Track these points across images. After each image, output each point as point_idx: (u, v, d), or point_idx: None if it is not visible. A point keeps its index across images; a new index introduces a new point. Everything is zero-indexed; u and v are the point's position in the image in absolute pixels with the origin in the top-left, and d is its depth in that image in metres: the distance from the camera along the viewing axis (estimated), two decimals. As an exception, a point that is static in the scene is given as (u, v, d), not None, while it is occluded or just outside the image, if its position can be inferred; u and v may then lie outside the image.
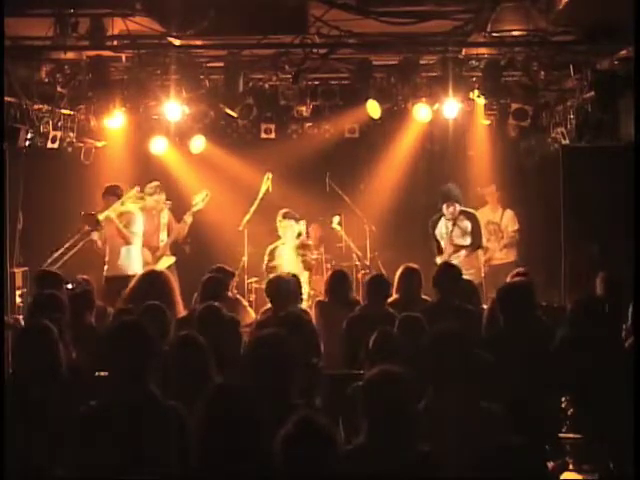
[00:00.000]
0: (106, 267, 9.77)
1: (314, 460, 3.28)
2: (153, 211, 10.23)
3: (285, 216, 10.23)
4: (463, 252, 9.81)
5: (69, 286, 7.07)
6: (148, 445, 3.94)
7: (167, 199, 10.34)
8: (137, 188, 10.02)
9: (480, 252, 10.11)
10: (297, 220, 10.32)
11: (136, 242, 9.80)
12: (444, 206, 9.84)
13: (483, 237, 10.26)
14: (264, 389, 4.13)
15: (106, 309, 7.39)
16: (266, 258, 10.25)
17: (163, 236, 10.21)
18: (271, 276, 7.67)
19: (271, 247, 10.31)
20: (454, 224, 9.80)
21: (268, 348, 4.32)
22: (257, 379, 4.21)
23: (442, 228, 9.92)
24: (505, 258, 10.62)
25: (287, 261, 10.20)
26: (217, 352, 4.91)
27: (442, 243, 9.90)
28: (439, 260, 9.83)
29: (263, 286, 10.14)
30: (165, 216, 10.29)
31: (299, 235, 10.32)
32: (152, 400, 4.04)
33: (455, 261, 9.71)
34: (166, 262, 10.14)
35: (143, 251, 9.99)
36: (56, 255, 9.83)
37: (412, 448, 3.71)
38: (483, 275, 9.91)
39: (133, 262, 9.70)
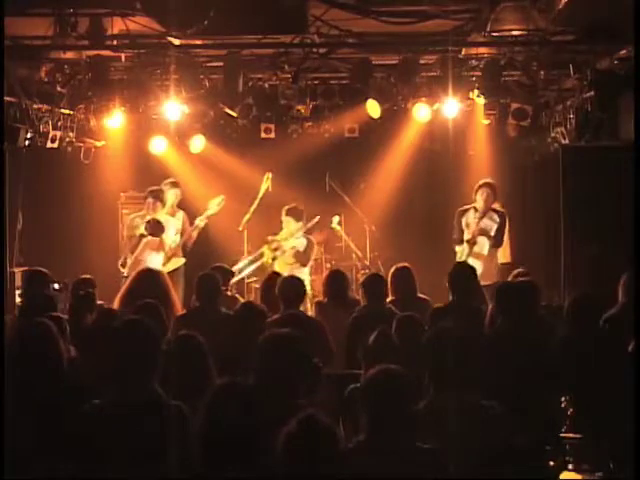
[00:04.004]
0: (127, 269, 9.67)
1: (316, 459, 3.28)
2: (169, 210, 10.24)
3: (287, 212, 10.13)
4: (487, 243, 9.67)
5: (55, 286, 7.07)
6: (151, 445, 3.94)
7: (179, 199, 10.38)
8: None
9: (498, 254, 9.99)
10: (298, 218, 10.12)
11: (165, 249, 9.87)
12: (479, 191, 9.65)
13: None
14: (275, 388, 4.15)
15: (105, 308, 7.39)
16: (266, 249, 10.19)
17: (176, 237, 10.21)
18: (280, 277, 7.59)
19: (271, 238, 10.22)
20: (483, 215, 9.69)
21: (283, 347, 4.33)
22: (270, 378, 4.22)
23: (470, 217, 9.76)
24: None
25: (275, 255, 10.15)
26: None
27: (466, 233, 9.79)
28: (459, 249, 9.73)
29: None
30: (180, 217, 10.29)
31: (289, 234, 10.16)
32: (157, 400, 4.04)
33: (479, 248, 9.64)
34: (176, 263, 10.12)
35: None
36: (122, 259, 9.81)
37: (412, 446, 3.72)
38: (497, 279, 9.82)
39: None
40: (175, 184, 10.30)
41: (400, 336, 5.46)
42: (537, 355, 5.52)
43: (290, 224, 10.08)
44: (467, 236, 9.70)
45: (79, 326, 6.00)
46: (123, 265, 9.74)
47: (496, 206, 9.88)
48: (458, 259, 9.51)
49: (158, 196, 9.78)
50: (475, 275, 7.21)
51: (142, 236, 9.66)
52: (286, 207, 10.15)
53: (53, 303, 6.14)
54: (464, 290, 6.83)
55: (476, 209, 9.73)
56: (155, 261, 9.67)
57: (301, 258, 10.00)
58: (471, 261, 9.59)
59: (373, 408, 3.78)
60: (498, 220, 9.71)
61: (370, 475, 3.65)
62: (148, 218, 9.68)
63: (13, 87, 8.73)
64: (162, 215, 9.84)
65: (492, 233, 9.70)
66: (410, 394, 3.84)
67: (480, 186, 9.73)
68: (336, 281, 7.38)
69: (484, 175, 11.14)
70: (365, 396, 3.85)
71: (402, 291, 7.22)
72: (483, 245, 9.67)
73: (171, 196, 10.23)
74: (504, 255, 10.82)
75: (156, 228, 9.61)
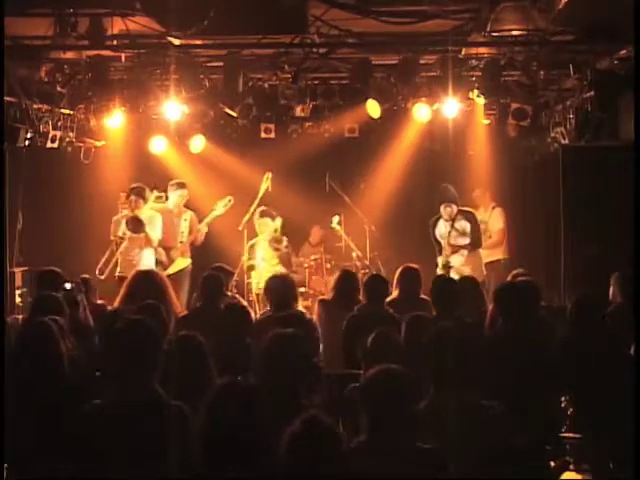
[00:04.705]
0: (119, 268, 9.73)
1: (320, 459, 3.29)
2: (175, 210, 10.26)
3: (262, 214, 10.35)
4: (465, 252, 9.81)
5: (67, 286, 7.07)
6: (151, 445, 3.94)
7: (186, 200, 10.41)
8: (155, 192, 10.14)
9: (481, 251, 10.10)
10: (273, 218, 10.41)
11: (153, 245, 9.89)
12: (441, 207, 9.85)
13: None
14: (276, 388, 4.16)
15: (105, 308, 7.39)
16: (245, 255, 10.33)
17: (182, 237, 10.22)
18: (269, 276, 7.65)
19: (250, 243, 10.39)
20: (452, 225, 9.81)
21: (287, 348, 4.35)
22: (273, 378, 4.23)
23: (441, 229, 9.93)
24: (492, 256, 10.63)
25: (263, 257, 10.28)
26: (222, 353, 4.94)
27: (442, 243, 9.92)
28: (440, 260, 9.85)
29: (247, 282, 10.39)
30: (187, 217, 10.31)
31: (275, 232, 10.38)
32: (157, 400, 4.04)
33: (456, 261, 9.73)
34: (181, 264, 10.15)
35: (159, 251, 10.03)
36: (102, 263, 9.76)
37: (413, 446, 3.72)
38: (485, 274, 9.90)
39: (148, 265, 9.75)
40: (181, 185, 10.34)
41: (409, 336, 5.46)
42: (537, 355, 5.52)
43: (268, 225, 10.34)
44: (444, 247, 9.80)
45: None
46: (101, 272, 9.71)
47: (462, 208, 9.98)
48: (438, 271, 9.59)
49: (140, 193, 9.84)
50: (454, 287, 7.15)
51: (121, 238, 9.68)
52: (258, 210, 10.36)
53: (59, 304, 6.11)
54: (444, 304, 6.77)
55: (444, 219, 9.85)
56: (146, 257, 9.73)
57: (285, 261, 10.19)
58: (453, 274, 9.64)
59: (373, 408, 3.78)
60: (468, 224, 9.82)
61: (371, 475, 3.65)
62: (127, 217, 9.74)
63: (13, 87, 8.72)
64: (146, 211, 9.86)
65: (466, 241, 9.79)
66: (410, 394, 3.84)
67: (440, 200, 9.85)
68: (347, 282, 7.37)
69: (484, 175, 11.18)
70: (365, 396, 3.85)
71: (406, 291, 7.24)
72: (461, 256, 9.76)
73: (177, 197, 10.25)
74: (501, 251, 10.84)
75: (135, 225, 9.65)
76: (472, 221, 9.91)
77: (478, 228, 10.02)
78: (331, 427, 3.39)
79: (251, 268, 10.31)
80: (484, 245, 10.53)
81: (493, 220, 10.87)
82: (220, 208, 10.24)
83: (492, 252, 10.66)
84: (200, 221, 10.34)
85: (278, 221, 10.47)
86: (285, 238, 10.41)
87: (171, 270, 9.65)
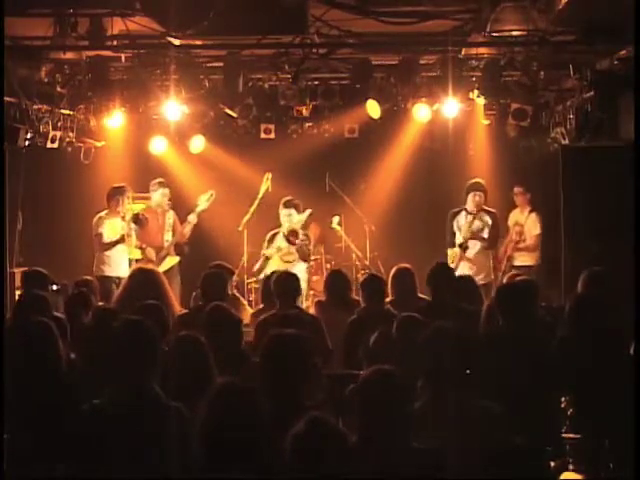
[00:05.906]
0: (97, 264, 9.83)
1: (324, 460, 3.29)
2: (159, 209, 10.27)
3: (285, 205, 10.21)
4: (479, 245, 9.78)
5: (54, 287, 7.08)
6: (150, 445, 3.94)
7: (168, 199, 10.39)
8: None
9: (491, 253, 10.08)
10: (298, 208, 10.22)
11: (132, 244, 9.95)
12: (470, 195, 9.79)
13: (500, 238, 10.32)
14: (279, 388, 4.17)
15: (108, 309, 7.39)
16: (265, 244, 10.27)
17: (168, 236, 10.25)
18: (276, 273, 7.60)
19: (271, 233, 10.31)
20: (474, 217, 9.79)
21: (290, 348, 4.34)
22: (274, 378, 4.23)
23: (461, 220, 9.87)
24: (525, 261, 10.55)
25: (278, 248, 10.24)
26: (220, 351, 4.93)
27: (458, 235, 9.87)
28: (450, 252, 9.84)
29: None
30: (171, 216, 10.32)
31: (297, 224, 10.28)
32: (155, 400, 4.04)
33: (471, 247, 9.72)
34: (170, 262, 10.18)
35: (148, 250, 10.06)
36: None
37: (408, 447, 3.71)
38: (493, 277, 9.89)
39: (123, 263, 9.83)
40: (162, 184, 10.35)
41: (401, 336, 5.46)
42: (537, 355, 5.51)
43: (293, 216, 10.16)
44: (459, 239, 9.79)
45: (74, 326, 5.99)
46: None
47: (486, 207, 9.97)
48: (450, 262, 9.59)
49: (124, 192, 9.93)
50: (453, 274, 7.21)
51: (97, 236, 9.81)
52: (284, 200, 10.23)
53: (47, 303, 6.12)
54: (443, 289, 6.82)
55: (467, 211, 9.81)
56: (124, 254, 9.87)
57: (302, 253, 10.12)
58: (463, 265, 9.69)
59: (367, 409, 3.78)
60: (490, 221, 9.81)
61: (365, 476, 3.64)
62: (136, 211, 9.88)
63: (13, 87, 8.72)
64: (129, 209, 9.98)
65: (484, 234, 9.79)
66: (405, 394, 3.84)
67: (470, 188, 9.82)
68: (336, 281, 7.40)
69: (484, 175, 11.15)
70: (359, 397, 3.85)
71: (401, 291, 7.24)
72: (474, 247, 9.77)
73: (160, 196, 10.27)
74: (534, 257, 10.67)
75: (143, 220, 9.76)
76: (494, 219, 9.92)
77: (497, 229, 10.02)
78: (335, 427, 3.39)
79: (266, 258, 10.24)
80: (520, 247, 10.48)
81: (530, 224, 10.72)
82: (203, 203, 10.20)
83: (526, 257, 10.56)
84: (182, 220, 10.34)
85: (306, 213, 10.24)
86: (302, 231, 10.27)
87: (161, 269, 9.66)
